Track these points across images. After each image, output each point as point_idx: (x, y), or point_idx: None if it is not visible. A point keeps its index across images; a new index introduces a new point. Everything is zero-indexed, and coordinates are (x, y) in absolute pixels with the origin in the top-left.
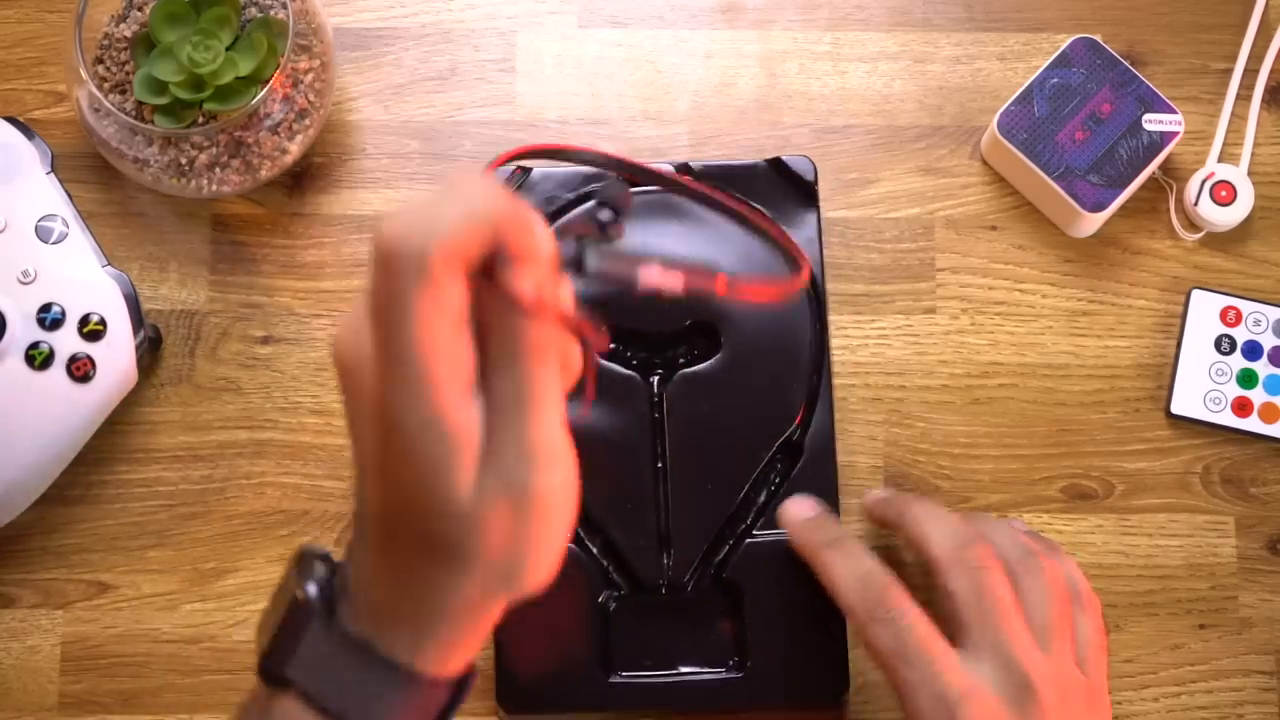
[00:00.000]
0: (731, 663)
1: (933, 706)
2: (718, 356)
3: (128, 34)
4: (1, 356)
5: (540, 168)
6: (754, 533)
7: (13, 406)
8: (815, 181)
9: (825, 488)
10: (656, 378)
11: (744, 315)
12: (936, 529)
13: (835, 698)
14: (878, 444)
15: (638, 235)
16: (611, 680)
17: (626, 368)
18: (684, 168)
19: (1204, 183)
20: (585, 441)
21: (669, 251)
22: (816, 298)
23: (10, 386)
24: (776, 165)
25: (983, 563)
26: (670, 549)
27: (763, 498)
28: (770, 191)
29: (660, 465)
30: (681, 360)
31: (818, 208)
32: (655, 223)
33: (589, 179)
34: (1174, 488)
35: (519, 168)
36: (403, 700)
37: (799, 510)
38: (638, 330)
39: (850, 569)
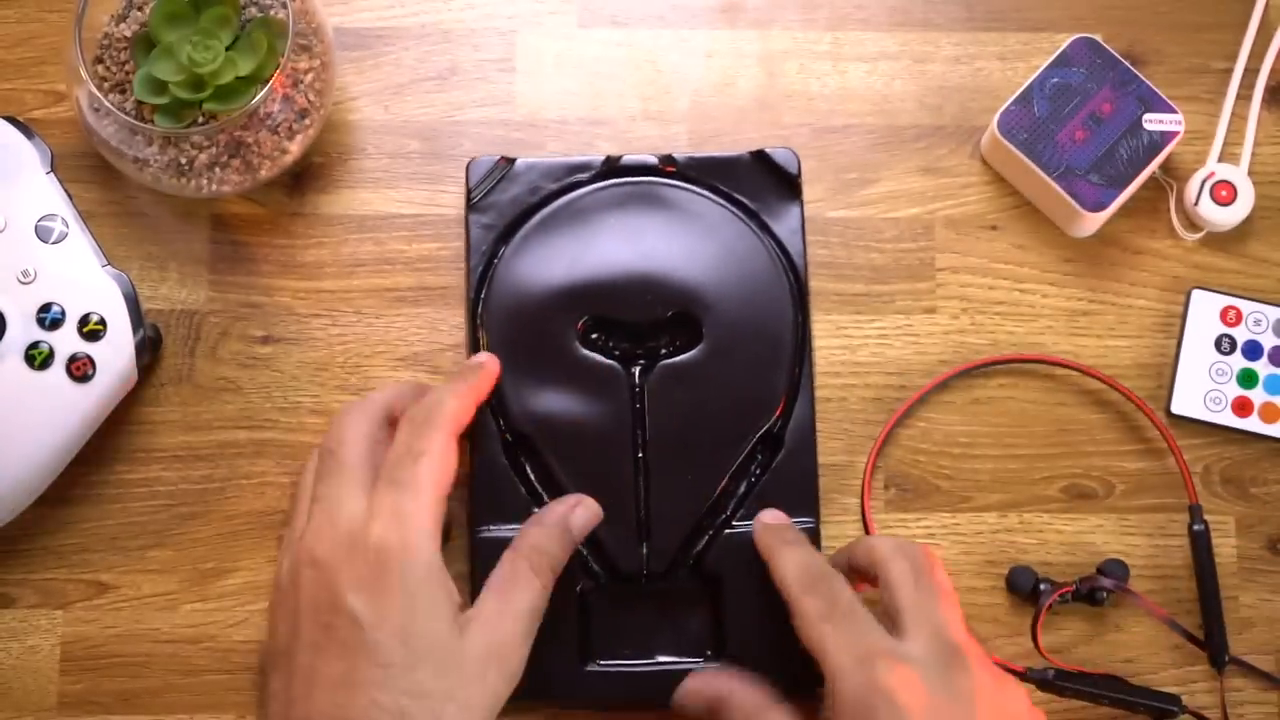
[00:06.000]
0: (708, 653)
1: (853, 664)
2: (699, 347)
3: (128, 34)
4: (1, 356)
5: (524, 157)
6: (733, 523)
7: (12, 406)
8: (798, 174)
9: (805, 479)
10: (638, 368)
11: (725, 307)
12: (856, 545)
13: (810, 688)
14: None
15: (621, 225)
16: (588, 668)
17: (608, 358)
18: (668, 159)
19: (1204, 182)
20: (565, 430)
21: (651, 243)
22: (799, 291)
23: (10, 386)
24: (760, 157)
25: (926, 555)
26: (649, 538)
27: (742, 489)
28: (754, 183)
29: (640, 455)
30: (663, 351)
31: (800, 200)
32: (638, 213)
33: (573, 169)
34: (1174, 488)
35: (503, 158)
36: None
37: (768, 516)
38: (619, 320)
39: (798, 558)
